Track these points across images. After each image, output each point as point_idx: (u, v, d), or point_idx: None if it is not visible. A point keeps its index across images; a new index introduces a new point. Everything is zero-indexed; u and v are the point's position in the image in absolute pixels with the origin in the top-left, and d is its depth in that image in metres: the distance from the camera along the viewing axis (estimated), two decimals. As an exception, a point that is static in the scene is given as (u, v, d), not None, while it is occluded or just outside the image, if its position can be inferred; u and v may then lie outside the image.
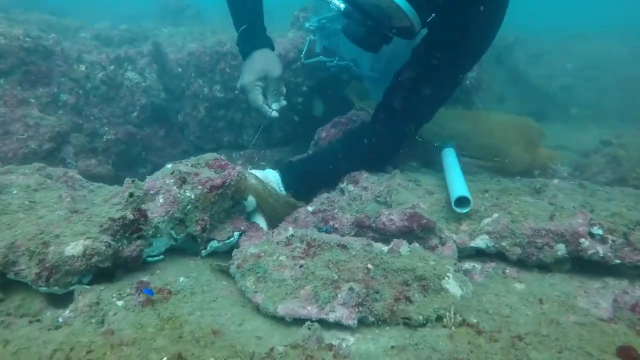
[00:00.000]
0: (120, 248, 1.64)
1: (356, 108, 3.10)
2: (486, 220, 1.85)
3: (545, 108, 4.73)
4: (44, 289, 1.54)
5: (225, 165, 1.93)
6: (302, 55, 3.43)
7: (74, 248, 1.53)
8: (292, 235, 1.76)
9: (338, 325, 1.46)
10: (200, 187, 1.78)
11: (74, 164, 3.21)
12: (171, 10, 6.43)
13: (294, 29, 4.00)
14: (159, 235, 1.75)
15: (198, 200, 1.78)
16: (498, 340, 1.39)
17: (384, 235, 1.90)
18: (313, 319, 1.45)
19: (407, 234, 1.86)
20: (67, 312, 1.50)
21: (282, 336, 1.44)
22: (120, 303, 1.53)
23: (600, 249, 1.72)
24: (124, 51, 3.86)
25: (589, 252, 1.72)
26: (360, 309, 1.46)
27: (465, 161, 2.73)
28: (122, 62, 3.78)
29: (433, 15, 2.04)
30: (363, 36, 2.25)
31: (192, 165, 1.94)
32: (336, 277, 1.52)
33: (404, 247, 1.69)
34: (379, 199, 2.11)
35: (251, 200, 2.08)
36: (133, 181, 1.74)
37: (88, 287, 1.57)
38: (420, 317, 1.47)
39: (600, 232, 1.74)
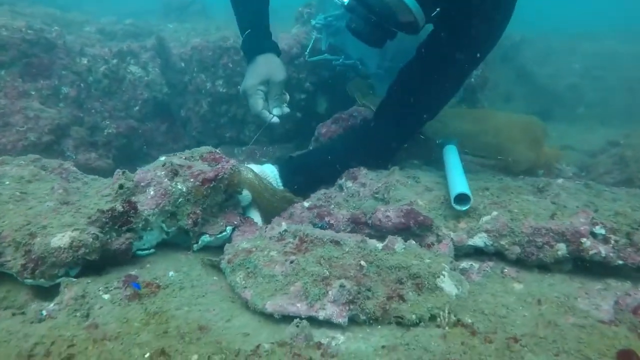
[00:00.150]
0: (109, 240, 1.61)
1: (358, 104, 3.05)
2: (485, 218, 1.80)
3: (551, 107, 4.66)
4: (29, 281, 1.51)
5: (219, 158, 1.90)
6: (306, 53, 3.39)
7: (60, 239, 1.50)
8: (285, 231, 1.72)
9: (328, 324, 1.42)
10: (192, 180, 1.74)
11: (74, 157, 3.20)
12: (176, 6, 6.42)
13: (298, 24, 3.96)
14: (149, 229, 1.72)
15: (190, 193, 1.75)
16: (493, 342, 1.35)
17: (380, 232, 1.86)
18: (302, 316, 1.41)
19: (404, 231, 1.81)
20: (52, 305, 1.47)
21: (270, 333, 1.40)
22: (106, 296, 1.50)
23: (602, 249, 1.66)
24: (126, 45, 3.84)
25: (591, 252, 1.66)
26: (351, 306, 1.42)
27: (468, 159, 2.68)
28: (124, 56, 3.76)
29: (437, 10, 1.99)
30: (367, 31, 2.22)
31: (185, 158, 1.90)
32: (327, 273, 1.48)
33: (398, 244, 1.64)
34: (376, 195, 2.07)
35: (246, 195, 2.05)
36: (123, 172, 1.71)
37: (75, 279, 1.54)
38: (413, 317, 1.43)
39: (603, 231, 1.69)
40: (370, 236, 1.85)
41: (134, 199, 1.68)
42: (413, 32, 2.02)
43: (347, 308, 1.42)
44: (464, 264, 1.78)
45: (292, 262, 1.53)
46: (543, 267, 1.75)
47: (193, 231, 1.79)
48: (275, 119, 2.39)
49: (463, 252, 1.82)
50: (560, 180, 2.24)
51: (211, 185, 1.77)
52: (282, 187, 2.35)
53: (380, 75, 3.28)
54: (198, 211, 1.77)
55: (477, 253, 1.83)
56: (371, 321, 1.44)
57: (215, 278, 1.70)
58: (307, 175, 2.45)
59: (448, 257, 1.68)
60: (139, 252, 1.75)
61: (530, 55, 5.43)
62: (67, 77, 3.36)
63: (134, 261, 1.73)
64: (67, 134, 3.21)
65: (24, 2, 4.73)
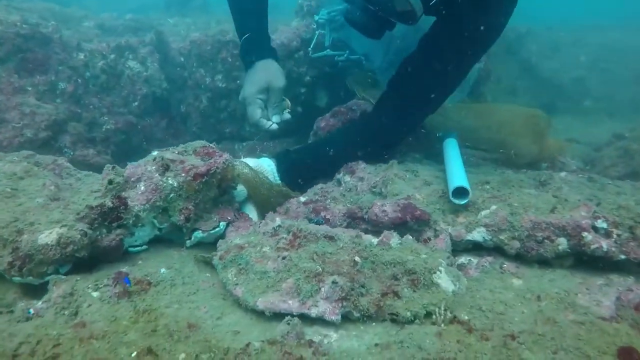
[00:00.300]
0: (99, 237, 1.58)
1: (357, 97, 3.01)
2: (484, 213, 1.76)
3: (557, 101, 4.58)
4: (17, 278, 1.49)
5: (212, 152, 1.86)
6: (310, 49, 3.35)
7: (48, 236, 1.47)
8: (279, 226, 1.69)
9: (321, 321, 1.38)
10: (183, 175, 1.71)
11: (71, 153, 3.17)
12: (177, 1, 6.37)
13: (298, 18, 3.91)
14: (140, 225, 1.69)
15: (181, 189, 1.71)
16: (489, 339, 1.30)
17: (377, 227, 1.82)
18: (294, 314, 1.37)
19: (401, 225, 1.77)
20: (40, 303, 1.45)
21: (261, 331, 1.36)
22: (95, 294, 1.48)
23: (604, 244, 1.61)
24: (125, 40, 3.80)
25: (592, 246, 1.61)
26: (344, 303, 1.38)
27: (469, 153, 2.64)
28: (123, 50, 3.72)
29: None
30: (365, 22, 2.19)
31: (179, 153, 1.87)
32: (320, 269, 1.44)
33: (394, 239, 1.60)
34: (374, 189, 2.03)
35: (241, 190, 2.01)
36: (113, 168, 1.67)
37: (64, 277, 1.52)
38: (408, 314, 1.39)
39: (605, 225, 1.64)
40: (367, 231, 1.81)
41: (124, 194, 1.65)
42: (411, 21, 1.98)
43: (340, 305, 1.38)
44: (462, 259, 1.74)
45: (284, 258, 1.50)
46: (543, 263, 1.70)
47: (185, 227, 1.75)
48: (274, 126, 2.35)
49: (462, 247, 1.78)
50: (563, 174, 2.19)
51: (203, 180, 1.74)
52: (279, 181, 2.31)
53: (384, 69, 3.23)
54: (190, 207, 1.74)
55: (476, 248, 1.78)
56: (365, 318, 1.40)
57: (207, 275, 1.66)
58: (304, 169, 2.41)
59: (445, 253, 1.63)
60: (131, 249, 1.73)
61: (535, 47, 5.34)
62: (63, 73, 3.33)
63: (125, 258, 1.70)
64: (65, 130, 3.18)
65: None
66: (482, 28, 2.06)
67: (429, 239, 1.73)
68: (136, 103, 3.70)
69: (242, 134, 3.94)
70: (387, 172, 2.06)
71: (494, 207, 1.77)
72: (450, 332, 1.34)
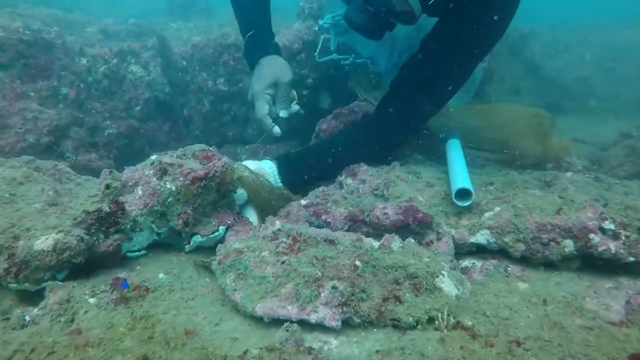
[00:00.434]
0: (96, 243, 1.56)
1: (359, 99, 2.98)
2: (487, 214, 1.72)
3: (561, 101, 4.52)
4: (13, 285, 1.47)
5: (211, 156, 1.84)
6: (316, 54, 3.33)
7: (44, 242, 1.45)
8: (278, 230, 1.66)
9: (321, 327, 1.35)
10: (181, 179, 1.69)
11: (74, 158, 3.17)
12: (180, 5, 6.39)
13: (300, 20, 3.90)
14: (138, 229, 1.67)
15: (179, 193, 1.69)
16: (494, 345, 1.27)
17: (379, 230, 1.78)
18: (293, 320, 1.34)
19: (403, 228, 1.74)
20: (36, 310, 1.43)
21: (259, 338, 1.34)
22: (92, 300, 1.45)
23: (612, 245, 1.57)
24: (127, 44, 3.81)
25: (600, 248, 1.57)
26: (345, 309, 1.35)
27: (473, 154, 2.60)
28: (125, 55, 3.73)
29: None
30: (364, 23, 2.17)
31: (177, 157, 1.84)
32: (320, 274, 1.41)
33: (395, 242, 1.57)
34: (376, 192, 2.00)
35: (241, 193, 1.99)
36: (110, 172, 1.65)
37: (61, 283, 1.50)
38: (410, 319, 1.35)
39: (612, 226, 1.60)
40: (369, 234, 1.78)
41: (121, 199, 1.63)
42: (409, 21, 1.97)
43: (340, 311, 1.35)
44: (466, 262, 1.70)
45: (283, 262, 1.47)
46: (549, 265, 1.66)
47: (184, 231, 1.73)
48: (277, 130, 2.30)
49: (465, 250, 1.74)
50: (569, 174, 2.15)
51: (202, 184, 1.71)
52: (280, 184, 2.28)
53: (390, 71, 3.20)
54: (189, 211, 1.71)
55: (480, 251, 1.74)
56: (366, 324, 1.37)
57: (207, 280, 1.64)
58: (306, 171, 2.39)
59: (448, 256, 1.60)
60: (130, 254, 1.70)
61: (539, 47, 5.29)
62: (66, 78, 3.33)
63: (124, 263, 1.68)
64: (67, 135, 3.18)
65: (27, 4, 4.72)
66: (484, 28, 2.03)
67: (432, 242, 1.70)
68: (139, 107, 3.70)
69: (244, 137, 3.92)
70: (389, 174, 2.03)
71: (497, 208, 1.74)
72: (454, 338, 1.30)
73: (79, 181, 2.09)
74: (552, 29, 6.28)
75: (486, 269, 1.65)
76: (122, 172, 1.74)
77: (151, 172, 1.67)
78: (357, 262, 1.47)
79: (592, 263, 1.64)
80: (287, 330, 1.27)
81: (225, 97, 3.78)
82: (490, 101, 3.41)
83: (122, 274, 1.59)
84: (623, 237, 1.59)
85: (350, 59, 3.20)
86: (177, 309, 1.45)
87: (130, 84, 3.68)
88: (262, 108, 2.29)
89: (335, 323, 1.33)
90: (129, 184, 1.66)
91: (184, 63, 3.96)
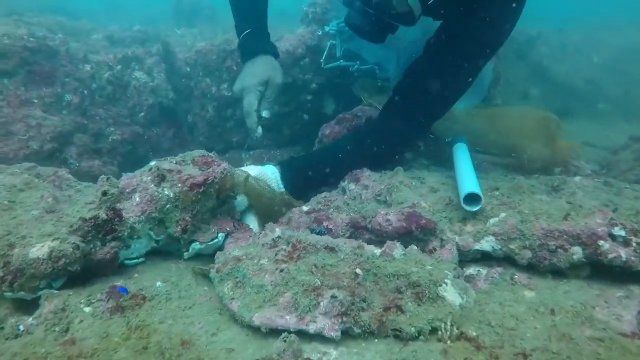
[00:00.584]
0: (92, 250, 1.54)
1: (364, 104, 2.95)
2: (492, 220, 1.68)
3: (570, 104, 4.45)
4: (8, 294, 1.44)
5: (211, 162, 1.81)
6: (322, 60, 3.31)
7: (39, 250, 1.43)
8: (278, 237, 1.62)
9: (320, 337, 1.31)
10: (180, 185, 1.66)
11: (77, 164, 3.16)
12: (186, 12, 6.40)
13: (303, 25, 3.88)
14: (136, 237, 1.64)
15: (178, 199, 1.66)
16: (499, 357, 1.22)
17: (381, 237, 1.74)
18: (291, 330, 1.31)
19: (406, 235, 1.70)
20: (31, 319, 1.41)
21: (256, 349, 1.30)
22: (87, 309, 1.43)
23: (623, 253, 1.52)
24: (131, 51, 3.81)
25: (609, 255, 1.52)
26: (345, 319, 1.31)
27: (479, 158, 2.55)
28: (129, 61, 3.73)
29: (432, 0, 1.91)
30: (365, 26, 2.15)
31: (176, 162, 1.82)
32: (319, 283, 1.38)
33: (397, 250, 1.53)
34: (379, 197, 1.96)
35: (242, 200, 1.96)
36: (108, 179, 1.63)
37: (56, 292, 1.47)
38: (412, 329, 1.31)
39: (623, 233, 1.54)
40: (371, 241, 1.74)
41: (118, 206, 1.60)
42: (409, 23, 1.95)
43: (340, 320, 1.31)
44: (471, 270, 1.66)
45: (282, 270, 1.43)
46: (557, 273, 1.61)
47: (183, 238, 1.70)
48: (260, 130, 2.39)
49: (470, 258, 1.70)
50: (577, 178, 2.09)
51: (200, 190, 1.69)
52: (282, 189, 2.25)
53: (398, 76, 3.17)
54: (187, 218, 1.68)
55: (485, 258, 1.70)
56: (366, 334, 1.33)
57: (205, 288, 1.61)
58: (309, 177, 2.36)
59: (451, 264, 1.56)
60: (127, 262, 1.68)
61: (546, 50, 5.22)
62: (70, 84, 3.33)
63: (121, 271, 1.65)
64: (70, 142, 3.17)
65: (32, 12, 4.74)
66: (487, 30, 2.00)
67: (435, 249, 1.65)
68: (142, 113, 3.69)
69: (249, 143, 3.90)
70: (392, 180, 1.99)
71: (503, 214, 1.69)
72: (457, 349, 1.26)
73: (79, 188, 2.07)
74: (559, 30, 6.21)
75: (491, 277, 1.60)
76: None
77: (149, 178, 1.65)
78: (358, 270, 1.44)
79: (602, 271, 1.59)
80: (285, 341, 1.24)
81: (229, 102, 3.75)
82: (497, 104, 3.36)
83: (119, 282, 1.57)
84: (634, 244, 1.53)
85: (356, 66, 3.18)
86: (173, 318, 1.42)
87: (134, 90, 3.67)
88: (253, 103, 2.36)
89: (335, 333, 1.29)
90: (127, 190, 1.64)
91: (188, 69, 3.95)
